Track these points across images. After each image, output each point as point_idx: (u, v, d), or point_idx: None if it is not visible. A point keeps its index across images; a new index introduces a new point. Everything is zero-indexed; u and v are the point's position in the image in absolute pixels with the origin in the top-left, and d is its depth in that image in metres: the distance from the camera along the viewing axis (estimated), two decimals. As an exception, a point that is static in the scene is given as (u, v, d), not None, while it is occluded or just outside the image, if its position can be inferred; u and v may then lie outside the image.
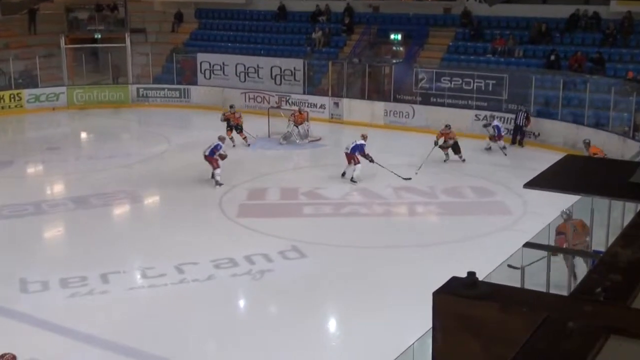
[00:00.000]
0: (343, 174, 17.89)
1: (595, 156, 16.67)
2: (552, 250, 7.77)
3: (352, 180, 17.60)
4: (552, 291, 7.55)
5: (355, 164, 17.69)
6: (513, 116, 22.23)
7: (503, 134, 20.86)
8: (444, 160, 19.53)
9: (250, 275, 12.42)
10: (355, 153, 17.76)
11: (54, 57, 28.73)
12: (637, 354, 1.60)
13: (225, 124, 21.39)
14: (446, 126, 19.63)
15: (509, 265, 11.72)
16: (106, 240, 14.12)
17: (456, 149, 19.64)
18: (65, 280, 12.04)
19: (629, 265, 2.14)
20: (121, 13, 31.20)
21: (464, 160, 19.60)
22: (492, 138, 20.86)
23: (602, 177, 3.10)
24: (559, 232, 11.29)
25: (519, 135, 21.92)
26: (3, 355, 7.96)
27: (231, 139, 20.87)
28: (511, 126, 22.03)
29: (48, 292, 11.77)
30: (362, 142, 17.91)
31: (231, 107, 22.08)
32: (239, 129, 21.54)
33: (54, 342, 10.28)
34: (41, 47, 28.66)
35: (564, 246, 10.90)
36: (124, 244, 13.99)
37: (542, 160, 16.37)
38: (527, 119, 21.76)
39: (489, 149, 20.95)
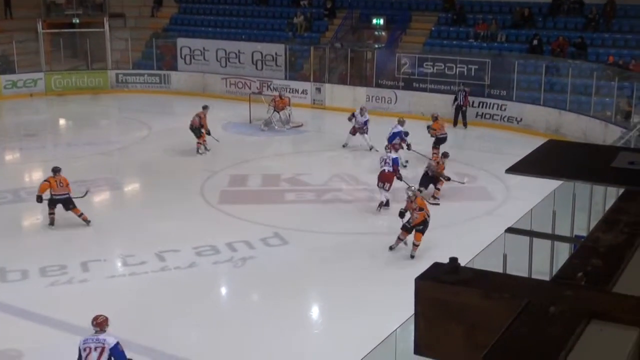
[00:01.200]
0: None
1: (435, 133, 18.01)
2: (535, 235, 7.79)
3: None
4: (534, 277, 7.56)
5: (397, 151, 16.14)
6: (495, 101, 22.33)
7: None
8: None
9: (232, 262, 12.39)
10: (394, 142, 16.52)
11: (31, 42, 28.40)
12: (618, 338, 1.59)
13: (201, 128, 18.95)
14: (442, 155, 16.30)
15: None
16: (86, 228, 14.00)
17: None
18: (45, 269, 11.95)
19: (610, 250, 2.12)
20: (100, -3, 30.93)
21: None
22: (360, 130, 19.39)
23: (584, 162, 3.09)
24: (421, 208, 12.27)
25: (460, 116, 22.11)
26: (97, 317, 8.30)
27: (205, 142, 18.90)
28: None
29: (27, 281, 11.67)
30: (400, 128, 16.96)
31: (205, 107, 19.23)
32: (204, 133, 19.00)
33: (33, 331, 10.20)
34: (18, 32, 28.29)
35: (426, 218, 12.20)
36: (104, 232, 13.88)
37: (525, 145, 16.47)
38: (466, 97, 22.05)
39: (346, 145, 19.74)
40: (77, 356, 8.09)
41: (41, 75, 27.52)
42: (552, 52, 23.23)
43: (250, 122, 22.57)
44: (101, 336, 8.16)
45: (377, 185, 14.71)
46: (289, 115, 22.30)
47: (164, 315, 10.63)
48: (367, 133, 19.35)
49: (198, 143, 18.92)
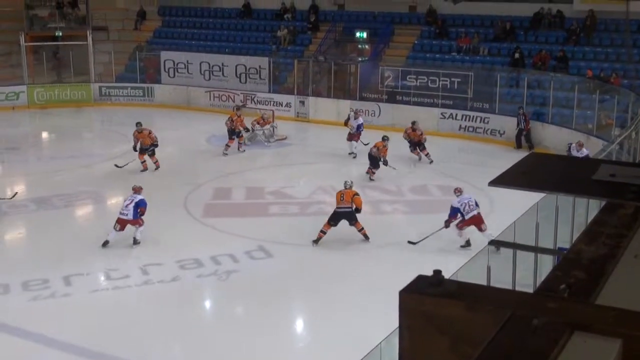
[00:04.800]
0: None
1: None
2: (518, 248, 7.83)
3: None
4: (517, 289, 7.59)
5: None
6: (478, 114, 22.51)
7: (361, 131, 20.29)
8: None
9: (216, 275, 12.34)
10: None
11: (13, 55, 28.26)
12: (601, 349, 1.60)
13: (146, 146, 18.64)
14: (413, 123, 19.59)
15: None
16: (68, 241, 13.91)
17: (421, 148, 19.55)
18: (27, 283, 11.84)
19: (593, 262, 2.14)
20: (82, 10, 30.83)
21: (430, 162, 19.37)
22: (356, 136, 20.19)
23: (566, 174, 3.11)
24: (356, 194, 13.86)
25: (523, 140, 20.96)
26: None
27: (143, 162, 18.48)
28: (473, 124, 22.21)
29: (9, 295, 11.56)
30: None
31: (138, 124, 18.94)
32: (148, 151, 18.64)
33: (15, 346, 10.10)
34: (0, 45, 28.15)
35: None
36: (86, 246, 13.76)
37: (507, 158, 16.57)
38: (526, 120, 20.83)
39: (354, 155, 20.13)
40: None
41: (24, 88, 27.35)
42: (534, 65, 23.43)
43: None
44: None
45: (462, 228, 13.40)
46: (274, 130, 22.24)
47: (147, 329, 10.56)
48: (357, 140, 20.19)
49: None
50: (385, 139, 17.93)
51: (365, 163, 18.11)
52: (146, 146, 18.51)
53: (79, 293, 11.64)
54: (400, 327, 1.89)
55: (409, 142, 19.48)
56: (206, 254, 13.04)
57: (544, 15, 24.87)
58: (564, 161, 3.80)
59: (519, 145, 20.94)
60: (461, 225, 13.33)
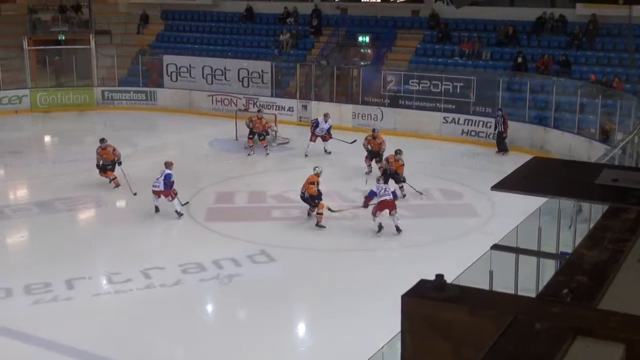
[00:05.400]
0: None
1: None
2: (520, 252, 7.81)
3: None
4: (520, 293, 7.58)
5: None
6: (480, 118, 22.47)
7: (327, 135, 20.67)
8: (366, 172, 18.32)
9: (219, 279, 12.34)
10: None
11: (16, 59, 28.30)
12: (603, 354, 1.59)
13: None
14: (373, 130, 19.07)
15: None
16: (71, 245, 13.92)
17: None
18: (29, 287, 11.85)
19: (595, 266, 2.13)
20: (85, 14, 30.90)
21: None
22: (324, 138, 20.66)
23: (568, 179, 3.10)
24: (311, 183, 14.80)
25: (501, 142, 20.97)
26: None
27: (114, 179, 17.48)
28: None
29: (12, 299, 11.58)
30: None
31: (102, 140, 17.70)
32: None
33: (17, 350, 10.09)
34: (3, 49, 28.22)
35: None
36: (89, 249, 13.80)
37: (509, 162, 16.57)
38: (504, 123, 20.86)
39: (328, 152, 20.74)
40: None
41: (26, 92, 27.39)
42: (537, 70, 23.42)
43: (236, 139, 22.52)
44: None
45: (375, 213, 14.40)
46: (275, 134, 22.22)
47: (149, 333, 10.56)
48: (328, 139, 20.59)
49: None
50: (398, 152, 16.77)
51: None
52: (107, 162, 17.48)
53: (81, 297, 11.64)
54: (403, 331, 1.88)
55: (367, 151, 18.50)
56: (208, 258, 13.04)
57: (547, 19, 24.88)
58: (567, 166, 3.79)
59: (500, 149, 21.04)
60: (375, 211, 14.40)
